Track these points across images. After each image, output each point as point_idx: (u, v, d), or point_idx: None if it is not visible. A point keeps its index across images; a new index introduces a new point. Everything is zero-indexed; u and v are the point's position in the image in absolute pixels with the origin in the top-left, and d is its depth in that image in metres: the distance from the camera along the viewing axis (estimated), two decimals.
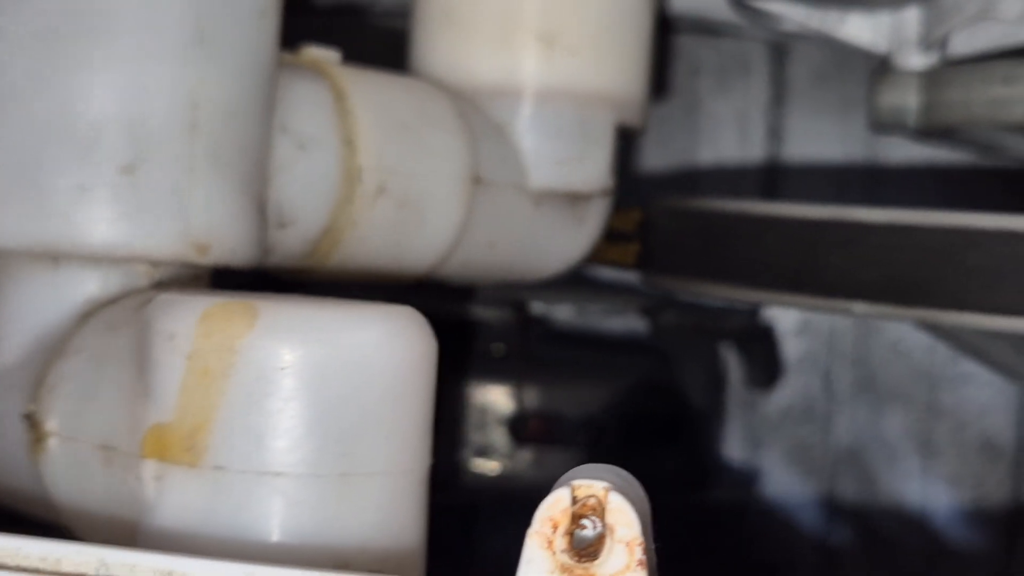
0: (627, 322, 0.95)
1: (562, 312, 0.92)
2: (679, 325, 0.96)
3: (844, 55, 1.10)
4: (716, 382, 0.99)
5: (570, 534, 0.36)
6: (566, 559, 0.36)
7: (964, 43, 0.75)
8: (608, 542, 0.36)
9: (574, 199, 0.66)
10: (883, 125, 0.78)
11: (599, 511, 0.37)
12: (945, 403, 1.04)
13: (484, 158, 0.63)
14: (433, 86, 0.64)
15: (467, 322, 0.86)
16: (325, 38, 0.62)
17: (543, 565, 0.36)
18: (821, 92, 1.14)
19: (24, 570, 0.38)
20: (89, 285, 0.52)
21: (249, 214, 0.54)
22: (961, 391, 1.04)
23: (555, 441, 0.85)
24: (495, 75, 0.64)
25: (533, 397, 0.85)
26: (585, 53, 0.64)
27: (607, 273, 1.01)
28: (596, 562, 0.36)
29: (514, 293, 0.89)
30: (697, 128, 1.13)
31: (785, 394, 1.08)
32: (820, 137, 1.12)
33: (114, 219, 0.51)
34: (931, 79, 0.75)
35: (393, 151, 0.59)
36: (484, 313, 0.86)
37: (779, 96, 1.15)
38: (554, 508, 0.36)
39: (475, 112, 0.64)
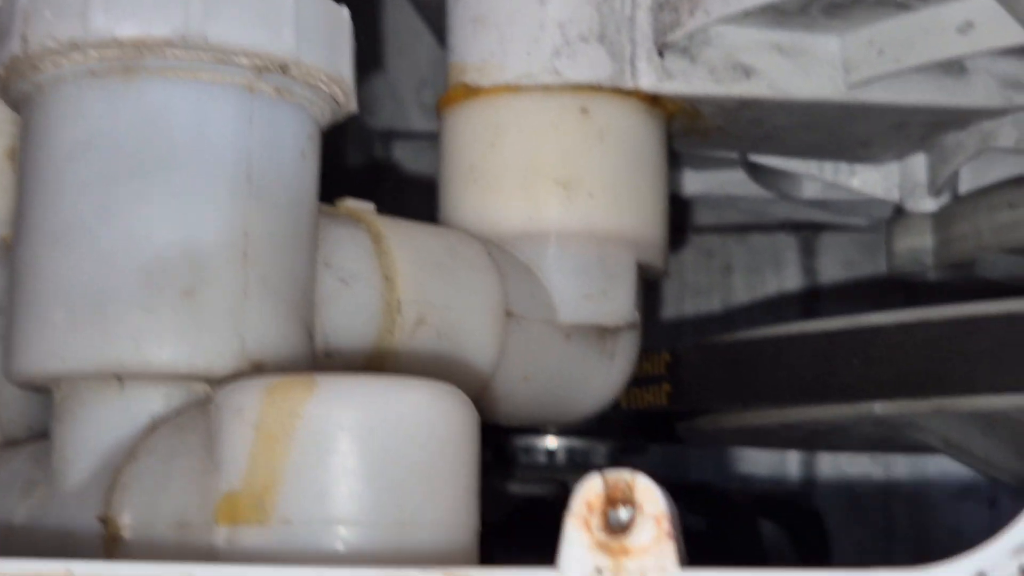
0: None
1: None
2: (714, 504, 1.04)
3: (871, 242, 1.22)
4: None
5: (604, 514, 0.46)
6: (602, 536, 0.45)
7: (973, 180, 0.86)
8: (638, 518, 0.45)
9: (602, 333, 0.76)
10: (902, 269, 0.89)
11: (629, 495, 0.46)
12: None
13: (514, 294, 0.73)
14: (463, 232, 0.75)
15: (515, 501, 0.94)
16: (357, 194, 0.73)
17: (582, 543, 0.45)
18: (853, 279, 1.25)
19: None
20: (153, 403, 0.62)
21: (299, 336, 0.64)
22: None
23: None
24: (520, 221, 0.76)
25: None
26: (602, 196, 0.76)
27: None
28: (627, 536, 0.45)
29: (553, 473, 0.98)
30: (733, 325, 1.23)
31: None
32: None
33: (177, 339, 0.60)
34: (943, 217, 0.85)
35: (430, 286, 0.70)
36: (526, 489, 0.95)
37: (812, 287, 1.26)
38: (589, 492, 0.46)
39: (503, 254, 0.75)
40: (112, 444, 0.61)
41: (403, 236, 0.71)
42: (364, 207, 0.72)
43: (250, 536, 0.53)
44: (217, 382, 0.62)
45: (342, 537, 0.52)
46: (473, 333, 0.71)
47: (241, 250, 0.62)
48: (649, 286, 0.81)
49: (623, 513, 0.46)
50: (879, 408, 0.69)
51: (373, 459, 0.53)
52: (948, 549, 1.17)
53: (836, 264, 1.26)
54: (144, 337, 0.60)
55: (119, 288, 0.60)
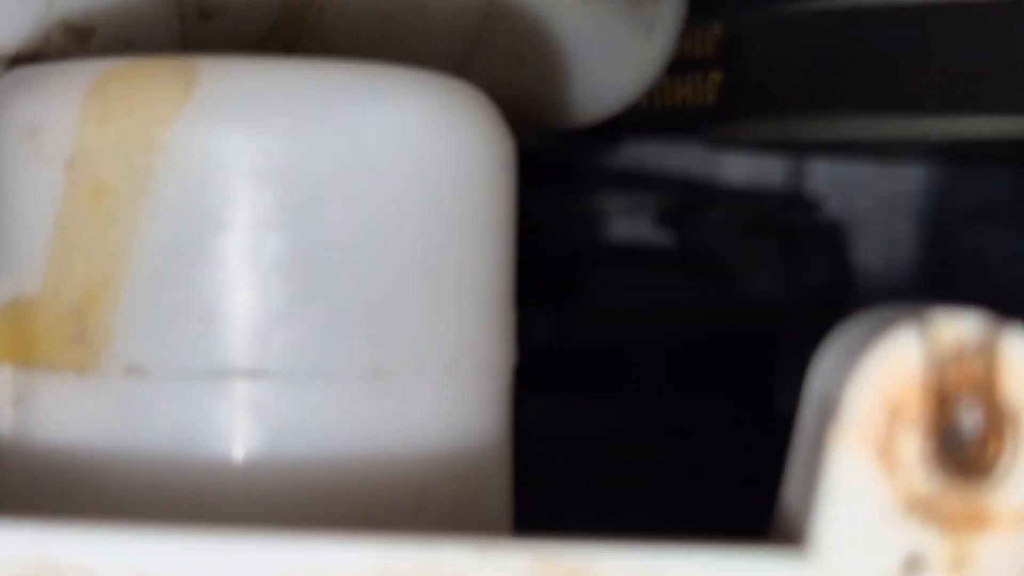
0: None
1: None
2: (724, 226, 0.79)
3: None
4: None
5: (935, 431, 0.18)
6: (926, 483, 0.18)
7: None
8: (1010, 445, 0.18)
9: None
10: None
11: (980, 380, 0.18)
12: None
13: None
14: None
15: None
16: None
17: (875, 499, 0.18)
18: None
19: None
20: None
21: None
22: None
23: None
24: None
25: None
26: None
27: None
28: (987, 485, 0.18)
29: None
30: None
31: None
32: None
33: None
34: None
35: None
36: None
37: None
38: (893, 373, 0.18)
39: None
40: None
41: None
42: None
43: (60, 399, 0.25)
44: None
45: (256, 406, 0.24)
46: None
47: None
48: None
49: (966, 420, 0.19)
50: None
51: (321, 238, 0.25)
52: None
53: None
54: None
55: None
